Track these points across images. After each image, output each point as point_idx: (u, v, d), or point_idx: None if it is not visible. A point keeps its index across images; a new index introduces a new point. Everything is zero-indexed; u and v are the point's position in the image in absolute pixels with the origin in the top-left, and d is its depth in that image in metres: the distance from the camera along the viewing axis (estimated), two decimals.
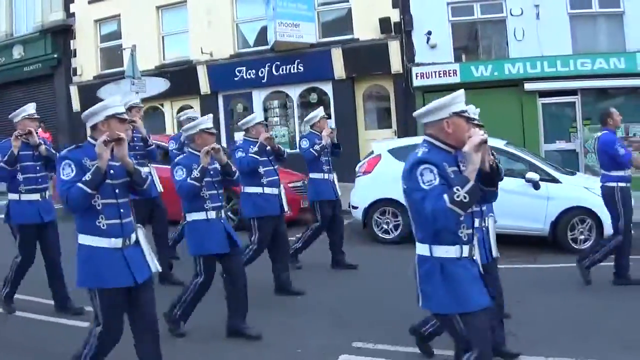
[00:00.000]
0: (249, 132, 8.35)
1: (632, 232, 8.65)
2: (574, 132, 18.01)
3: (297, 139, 20.15)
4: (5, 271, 7.58)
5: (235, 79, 20.94)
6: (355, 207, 12.15)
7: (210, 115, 7.05)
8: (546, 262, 10.12)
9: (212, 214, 6.54)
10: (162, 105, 22.42)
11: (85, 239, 4.68)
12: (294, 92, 20.80)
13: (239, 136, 19.02)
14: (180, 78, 21.50)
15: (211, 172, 6.55)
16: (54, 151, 7.41)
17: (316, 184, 9.66)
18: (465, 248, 4.05)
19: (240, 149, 8.09)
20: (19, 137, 7.15)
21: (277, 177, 8.40)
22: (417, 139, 13.17)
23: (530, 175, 10.69)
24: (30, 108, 7.56)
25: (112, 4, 23.02)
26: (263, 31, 20.72)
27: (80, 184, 4.46)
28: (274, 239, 8.29)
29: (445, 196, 3.74)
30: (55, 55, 24.22)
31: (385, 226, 11.94)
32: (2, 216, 7.54)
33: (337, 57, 19.54)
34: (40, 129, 9.28)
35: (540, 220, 10.87)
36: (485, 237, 5.55)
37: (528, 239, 10.97)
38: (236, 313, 6.63)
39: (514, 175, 10.71)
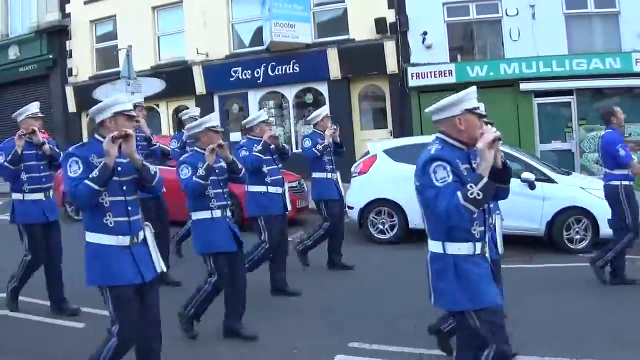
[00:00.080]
0: (252, 130, 8.32)
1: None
2: (570, 132, 18.06)
3: (293, 139, 20.20)
4: (5, 273, 7.57)
5: (231, 79, 20.94)
6: (350, 208, 12.15)
7: (216, 113, 7.03)
8: (542, 262, 10.13)
9: (217, 213, 6.49)
10: (157, 105, 22.39)
11: (92, 237, 4.65)
12: (290, 93, 20.80)
13: (234, 136, 19.10)
14: (175, 78, 21.48)
15: (216, 170, 6.49)
16: (57, 150, 7.39)
17: (319, 184, 9.60)
18: (478, 245, 4.03)
19: (244, 148, 8.06)
20: (23, 136, 7.09)
21: (280, 176, 8.40)
22: (413, 139, 13.24)
23: (526, 175, 10.70)
24: (34, 107, 7.51)
25: (107, 4, 23.01)
26: (259, 31, 20.73)
27: (87, 181, 4.42)
28: None
29: (459, 193, 3.75)
30: (51, 56, 24.21)
31: (380, 226, 11.93)
32: (7, 217, 7.52)
33: (332, 58, 19.55)
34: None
35: (536, 220, 10.89)
36: (492, 234, 5.55)
37: (524, 238, 10.98)
38: (233, 313, 6.62)
39: None
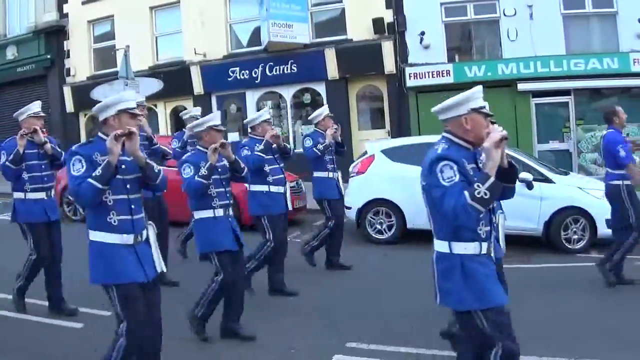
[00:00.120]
0: (254, 130, 8.30)
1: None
2: (567, 132, 18.08)
3: (291, 139, 20.19)
4: (5, 273, 7.56)
5: (229, 79, 20.93)
6: (348, 208, 12.12)
7: (219, 112, 7.02)
8: (539, 262, 10.14)
9: (219, 212, 6.47)
10: (155, 105, 22.36)
11: (96, 235, 4.63)
12: (288, 93, 20.80)
13: (232, 137, 19.11)
14: (173, 78, 21.48)
15: (219, 170, 6.47)
16: (59, 149, 7.38)
17: (320, 183, 9.58)
18: (484, 245, 4.02)
19: (246, 147, 8.04)
20: (25, 135, 7.06)
21: (283, 175, 8.39)
22: (411, 139, 13.25)
23: (524, 175, 10.68)
24: (36, 106, 7.47)
25: (105, 4, 22.99)
26: (256, 32, 20.73)
27: (90, 180, 4.40)
28: None
29: (466, 193, 3.75)
30: (49, 56, 24.19)
31: (378, 226, 11.94)
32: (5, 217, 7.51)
33: (330, 58, 19.56)
34: None
35: (534, 220, 10.90)
36: (496, 233, 5.55)
37: (521, 238, 10.98)
38: (231, 314, 6.61)
39: None
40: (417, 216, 11.50)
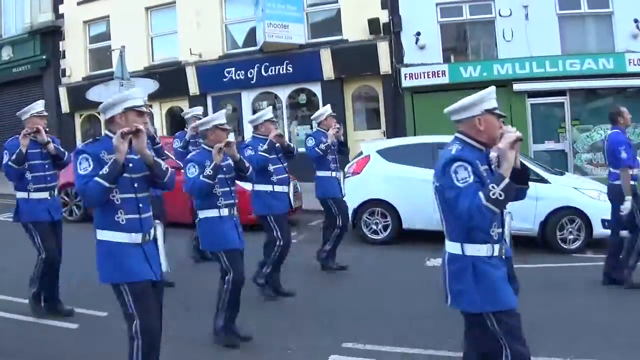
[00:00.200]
0: (257, 129, 8.29)
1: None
2: (563, 132, 18.10)
3: (287, 139, 20.13)
4: (5, 273, 7.53)
5: (224, 80, 20.93)
6: None
7: (224, 111, 7.00)
8: (535, 262, 10.13)
9: (224, 211, 6.43)
10: (151, 106, 22.29)
11: (104, 234, 4.58)
12: (283, 93, 20.80)
13: (229, 137, 19.05)
14: (169, 79, 21.40)
15: (224, 169, 6.44)
16: (62, 149, 7.37)
17: (323, 182, 9.54)
18: (496, 247, 4.00)
19: (249, 147, 8.02)
20: (27, 135, 7.03)
21: (286, 175, 8.38)
22: (406, 140, 13.27)
23: None
24: (39, 105, 7.42)
25: (101, 5, 22.96)
26: (252, 32, 20.71)
27: (97, 178, 4.34)
28: None
29: (481, 194, 3.74)
30: (44, 57, 24.16)
31: (374, 227, 11.93)
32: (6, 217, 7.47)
33: (326, 58, 19.56)
34: None
35: (530, 220, 10.91)
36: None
37: (517, 239, 10.93)
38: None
39: None
40: (413, 216, 11.55)
